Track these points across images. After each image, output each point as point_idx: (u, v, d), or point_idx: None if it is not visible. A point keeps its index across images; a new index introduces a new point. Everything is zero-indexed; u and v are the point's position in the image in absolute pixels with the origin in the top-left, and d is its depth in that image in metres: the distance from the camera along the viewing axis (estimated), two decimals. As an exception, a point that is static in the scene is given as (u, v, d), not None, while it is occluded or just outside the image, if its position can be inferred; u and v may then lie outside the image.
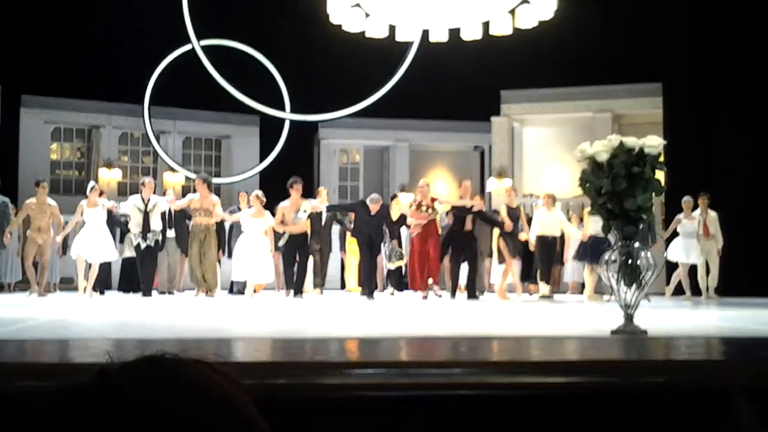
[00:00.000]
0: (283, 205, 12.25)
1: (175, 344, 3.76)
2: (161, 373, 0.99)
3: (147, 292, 11.99)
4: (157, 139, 19.90)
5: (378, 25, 9.68)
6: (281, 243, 12.18)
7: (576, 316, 7.14)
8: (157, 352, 1.03)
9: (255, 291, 12.95)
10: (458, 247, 12.24)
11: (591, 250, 11.40)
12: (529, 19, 9.25)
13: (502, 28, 9.39)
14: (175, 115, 21.09)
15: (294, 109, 18.67)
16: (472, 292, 12.06)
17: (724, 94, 14.60)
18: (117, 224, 13.33)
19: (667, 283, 12.96)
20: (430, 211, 12.21)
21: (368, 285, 12.43)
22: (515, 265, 13.26)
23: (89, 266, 11.81)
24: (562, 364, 3.05)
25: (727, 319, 6.58)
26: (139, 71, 18.06)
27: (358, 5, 9.35)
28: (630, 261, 4.22)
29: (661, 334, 4.41)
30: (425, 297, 11.95)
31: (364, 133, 21.53)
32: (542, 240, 12.61)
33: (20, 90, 18.65)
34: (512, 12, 9.30)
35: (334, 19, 9.46)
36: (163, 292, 13.17)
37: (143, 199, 12.27)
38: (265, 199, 12.32)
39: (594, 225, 11.19)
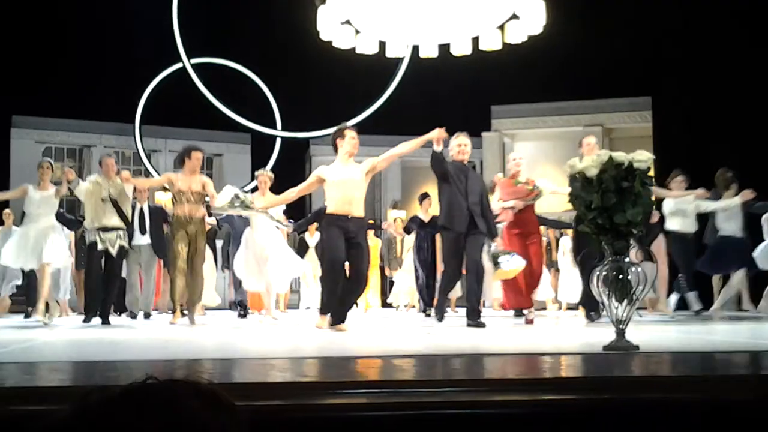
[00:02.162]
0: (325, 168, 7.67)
1: (166, 366, 3.74)
2: (144, 401, 0.99)
3: (105, 318, 8.60)
4: (149, 158, 19.90)
5: (368, 42, 9.72)
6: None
7: (567, 332, 7.12)
8: (142, 377, 1.04)
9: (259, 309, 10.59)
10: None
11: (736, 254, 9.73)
12: (519, 34, 9.30)
13: (491, 43, 9.44)
14: (166, 133, 21.09)
15: (285, 127, 18.72)
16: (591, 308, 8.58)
17: (712, 107, 14.67)
18: (67, 223, 10.30)
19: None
20: (530, 186, 8.45)
21: (442, 299, 8.64)
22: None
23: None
24: (555, 381, 3.04)
25: (720, 333, 6.57)
26: (130, 90, 18.10)
27: (348, 22, 9.39)
28: (621, 276, 4.23)
29: (653, 350, 4.41)
30: (530, 321, 8.15)
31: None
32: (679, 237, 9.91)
33: (11, 110, 18.67)
34: (502, 27, 9.36)
35: (324, 36, 9.49)
36: (134, 315, 10.44)
37: (102, 181, 8.77)
38: (272, 177, 9.72)
39: (728, 224, 9.74)
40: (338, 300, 7.04)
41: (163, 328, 7.96)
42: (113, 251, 8.70)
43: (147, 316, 10.47)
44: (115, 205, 8.73)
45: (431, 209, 11.89)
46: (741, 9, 14.18)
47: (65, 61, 17.43)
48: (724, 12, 14.40)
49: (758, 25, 13.93)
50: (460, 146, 8.27)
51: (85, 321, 8.73)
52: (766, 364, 3.91)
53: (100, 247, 8.68)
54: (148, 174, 20.05)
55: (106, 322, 8.56)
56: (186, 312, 8.66)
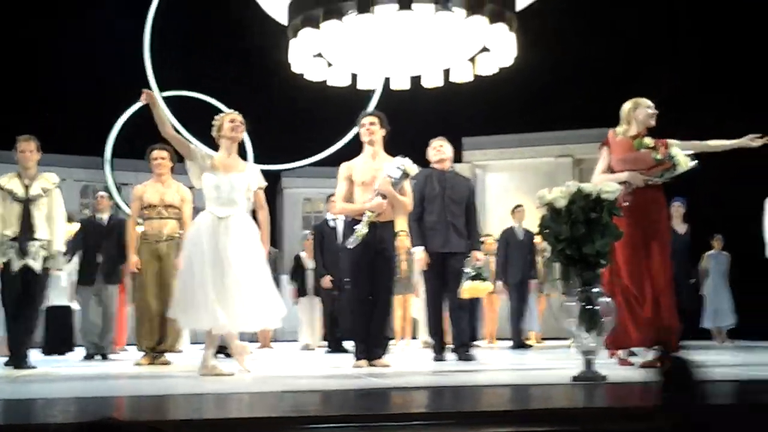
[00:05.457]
0: (348, 164, 6.64)
1: (119, 405, 3.69)
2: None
3: (20, 359, 6.53)
4: (119, 192, 19.79)
5: (340, 74, 9.76)
6: (353, 240, 6.14)
7: (536, 363, 7.11)
8: (96, 417, 1.02)
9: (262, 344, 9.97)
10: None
11: None
12: (490, 66, 9.38)
13: (463, 75, 9.52)
14: (137, 167, 20.98)
15: (257, 159, 18.68)
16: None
17: (679, 136, 14.83)
18: None
19: None
20: (659, 154, 5.81)
21: (436, 328, 7.42)
22: None
23: None
24: (524, 412, 3.03)
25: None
26: (100, 124, 18.03)
27: (319, 55, 9.43)
28: (589, 306, 4.25)
29: (622, 380, 4.41)
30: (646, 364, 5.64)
31: (328, 181, 21.56)
32: None
33: (-22, 144, 18.50)
34: (473, 59, 9.43)
35: (295, 69, 9.52)
36: (91, 355, 8.92)
37: (21, 176, 6.72)
38: (242, 128, 6.14)
39: None
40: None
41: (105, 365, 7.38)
42: (36, 266, 6.55)
43: (102, 354, 8.92)
44: (35, 206, 6.62)
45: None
46: (711, 42, 14.41)
47: (34, 94, 17.35)
48: (691, 45, 14.63)
49: (724, 61, 14.14)
50: (435, 149, 7.59)
51: (16, 364, 6.52)
52: (741, 394, 3.92)
53: (16, 265, 6.52)
54: (117, 207, 19.93)
55: (20, 363, 6.49)
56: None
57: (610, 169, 5.92)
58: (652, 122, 6.08)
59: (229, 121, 6.10)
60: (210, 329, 5.66)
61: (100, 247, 9.15)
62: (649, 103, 6.13)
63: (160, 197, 7.49)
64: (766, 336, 10.66)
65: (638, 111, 6.08)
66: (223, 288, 5.54)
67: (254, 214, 6.05)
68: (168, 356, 7.44)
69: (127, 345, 10.45)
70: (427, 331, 8.20)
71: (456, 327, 7.30)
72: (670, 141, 5.99)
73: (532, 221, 12.17)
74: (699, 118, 13.56)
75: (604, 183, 4.51)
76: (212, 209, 5.81)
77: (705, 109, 13.48)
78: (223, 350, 7.68)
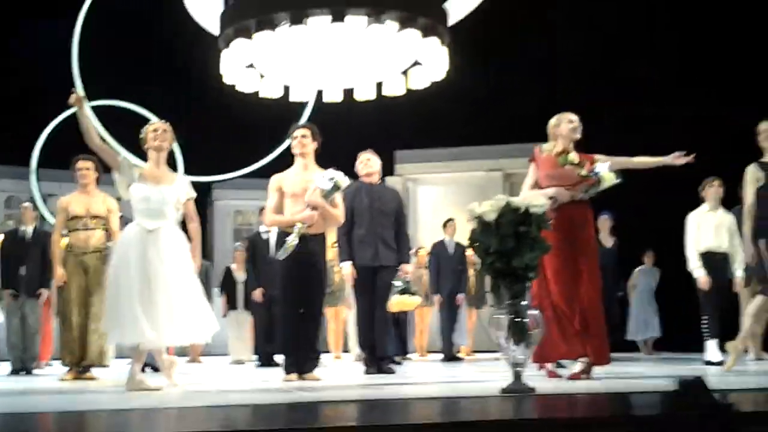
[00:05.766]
0: (279, 176, 6.51)
1: (41, 421, 3.60)
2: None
3: None
4: (45, 203, 19.35)
5: (272, 86, 9.74)
6: (283, 252, 6.02)
7: (466, 375, 7.14)
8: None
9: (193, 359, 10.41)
10: None
11: None
12: (422, 80, 9.48)
13: (395, 88, 9.59)
14: (64, 177, 20.55)
15: (187, 170, 18.47)
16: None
17: (609, 150, 15.05)
18: None
19: None
20: (584, 170, 5.87)
21: (368, 339, 7.35)
22: None
23: None
24: (454, 425, 3.04)
25: (622, 375, 6.67)
26: (26, 133, 17.61)
27: (251, 66, 9.39)
28: (518, 319, 4.31)
29: (549, 392, 4.46)
30: (552, 374, 5.91)
31: (259, 194, 21.38)
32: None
33: None
34: (405, 73, 9.52)
35: (228, 80, 9.48)
36: (15, 370, 8.68)
37: None
38: (168, 136, 5.95)
39: None
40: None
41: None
42: None
43: (27, 370, 8.68)
44: None
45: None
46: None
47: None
48: (625, 60, 14.87)
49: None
50: (362, 162, 7.64)
51: None
52: (664, 405, 3.98)
53: None
54: (43, 219, 19.50)
55: None
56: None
57: (538, 185, 6.01)
58: (576, 135, 6.11)
59: (152, 130, 5.96)
60: (137, 344, 5.54)
61: (23, 259, 8.95)
62: (571, 117, 6.14)
63: (85, 208, 7.46)
64: (688, 348, 10.94)
65: (561, 126, 6.10)
66: (151, 301, 5.43)
67: (184, 226, 5.97)
68: (94, 371, 7.33)
69: (53, 359, 10.13)
70: (358, 344, 8.18)
71: (380, 339, 7.29)
72: (596, 156, 6.07)
73: (463, 234, 12.26)
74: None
75: (532, 197, 4.57)
76: (141, 221, 5.69)
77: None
78: (150, 364, 7.68)
